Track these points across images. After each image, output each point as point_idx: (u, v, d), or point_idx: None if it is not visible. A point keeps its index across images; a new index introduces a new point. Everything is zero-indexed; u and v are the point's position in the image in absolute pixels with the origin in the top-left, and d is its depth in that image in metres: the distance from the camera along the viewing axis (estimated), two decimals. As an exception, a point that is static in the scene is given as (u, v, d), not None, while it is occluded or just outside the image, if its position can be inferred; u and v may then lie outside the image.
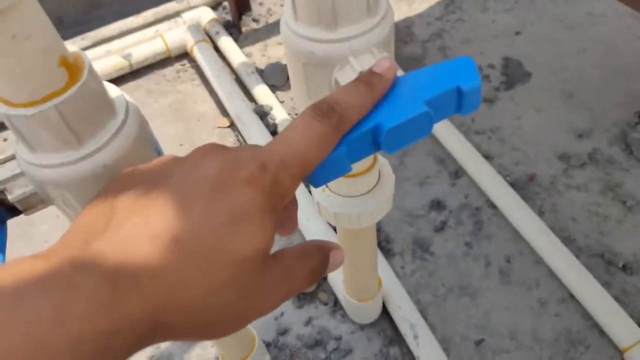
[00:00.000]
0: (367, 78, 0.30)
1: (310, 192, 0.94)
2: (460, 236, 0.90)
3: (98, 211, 0.24)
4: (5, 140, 1.15)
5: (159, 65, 1.26)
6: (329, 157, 0.28)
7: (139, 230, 0.22)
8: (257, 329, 0.72)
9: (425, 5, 1.34)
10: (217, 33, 1.26)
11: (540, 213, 0.92)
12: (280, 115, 1.08)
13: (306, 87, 0.38)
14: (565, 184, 0.96)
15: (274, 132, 1.07)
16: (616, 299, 0.79)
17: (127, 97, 0.33)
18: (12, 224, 0.35)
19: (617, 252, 0.86)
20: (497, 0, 1.32)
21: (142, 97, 1.20)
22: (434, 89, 0.31)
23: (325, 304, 0.84)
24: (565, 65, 1.15)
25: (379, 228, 0.91)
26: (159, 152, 0.35)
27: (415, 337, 0.76)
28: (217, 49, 1.25)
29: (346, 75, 0.34)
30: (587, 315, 0.80)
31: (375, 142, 0.31)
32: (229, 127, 1.13)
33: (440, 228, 0.91)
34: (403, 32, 1.27)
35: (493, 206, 0.93)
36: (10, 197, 0.32)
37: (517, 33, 1.24)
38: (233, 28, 1.33)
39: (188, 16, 1.30)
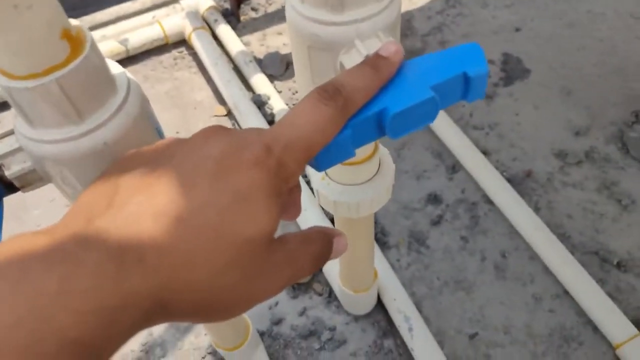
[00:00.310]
0: (373, 61, 0.30)
1: (306, 181, 0.93)
2: (456, 230, 0.90)
3: (101, 190, 0.24)
4: (-2, 123, 1.14)
5: (156, 52, 1.25)
6: (333, 141, 0.28)
7: (143, 208, 0.22)
8: (252, 318, 0.72)
9: (426, -1, 1.33)
10: (216, 21, 1.25)
11: (536, 209, 0.92)
12: (278, 105, 1.07)
13: (310, 71, 0.37)
14: (561, 181, 0.96)
15: (271, 122, 1.06)
16: (610, 295, 0.79)
17: (129, 75, 0.32)
18: (5, 206, 0.35)
19: (612, 250, 0.86)
20: (497, -5, 1.32)
21: (139, 83, 1.19)
22: (441, 74, 0.31)
23: (320, 294, 0.83)
24: (564, 63, 1.15)
25: (375, 221, 0.91)
26: (159, 132, 0.35)
27: (410, 329, 0.76)
28: (215, 37, 1.24)
29: (352, 59, 0.34)
30: (581, 312, 0.80)
31: (380, 127, 0.30)
32: (225, 115, 1.12)
33: (437, 222, 0.91)
34: (403, 25, 1.27)
35: (489, 201, 0.93)
36: (7, 173, 0.31)
37: (517, 29, 1.24)
38: (231, 16, 1.32)
39: (186, 3, 1.29)
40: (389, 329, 0.80)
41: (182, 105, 1.15)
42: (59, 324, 0.18)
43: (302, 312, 0.82)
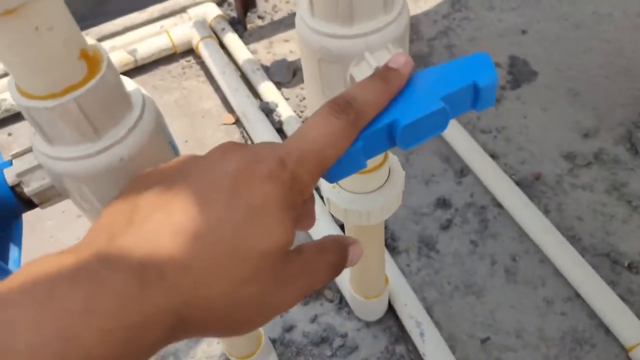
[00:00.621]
0: (383, 73, 0.30)
1: (315, 188, 0.94)
2: (466, 234, 0.90)
3: (121, 209, 0.25)
4: (9, 134, 1.15)
5: (164, 61, 1.26)
6: (345, 153, 0.28)
7: (162, 226, 0.22)
8: (263, 326, 0.72)
9: (432, 3, 1.34)
10: (223, 30, 1.26)
11: (546, 212, 0.92)
12: (285, 112, 1.08)
13: (321, 83, 0.38)
14: (570, 183, 0.96)
15: (279, 129, 1.07)
16: (622, 298, 0.79)
17: (143, 91, 0.33)
18: (22, 218, 0.35)
19: (623, 252, 0.86)
20: (503, -1, 1.32)
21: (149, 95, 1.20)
22: (450, 84, 0.31)
23: (331, 301, 0.84)
24: (571, 65, 1.15)
25: (385, 226, 0.91)
26: (173, 146, 0.35)
27: (422, 334, 0.76)
28: (222, 45, 1.25)
29: (362, 71, 0.34)
30: (592, 314, 0.80)
31: (390, 138, 0.31)
32: (234, 123, 1.13)
33: (446, 226, 0.92)
34: (409, 29, 1.27)
35: (499, 205, 0.93)
36: (26, 190, 0.32)
37: (524, 32, 1.24)
38: (238, 25, 1.32)
39: (193, 12, 1.30)
40: (401, 334, 0.80)
41: (190, 114, 1.16)
42: (84, 343, 0.19)
43: (314, 319, 0.82)
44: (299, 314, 0.83)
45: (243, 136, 1.10)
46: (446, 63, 0.33)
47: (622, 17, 1.24)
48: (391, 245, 0.90)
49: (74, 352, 0.19)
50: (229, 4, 1.37)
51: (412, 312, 0.78)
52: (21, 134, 1.15)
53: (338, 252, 0.27)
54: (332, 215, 0.86)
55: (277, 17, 1.35)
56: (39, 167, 0.32)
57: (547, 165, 0.99)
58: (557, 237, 0.85)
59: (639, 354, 0.74)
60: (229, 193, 0.23)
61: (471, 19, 1.28)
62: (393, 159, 0.52)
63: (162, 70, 1.25)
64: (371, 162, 0.47)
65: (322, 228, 0.86)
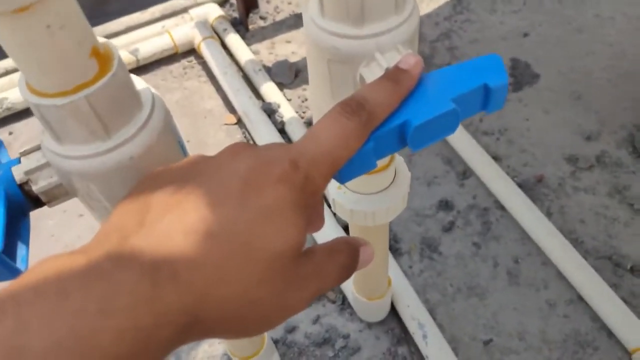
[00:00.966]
0: (393, 75, 0.30)
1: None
2: (469, 236, 0.90)
3: (132, 208, 0.24)
4: (10, 133, 1.15)
5: (166, 61, 1.26)
6: (356, 154, 0.28)
7: (174, 225, 0.22)
8: (266, 326, 0.72)
9: (434, 6, 1.34)
10: (225, 30, 1.26)
11: (548, 215, 0.92)
12: (287, 112, 1.08)
13: (330, 84, 0.37)
14: (573, 186, 0.96)
15: (281, 130, 1.06)
16: (624, 300, 0.79)
17: (153, 90, 0.33)
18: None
19: (625, 255, 0.86)
20: (505, 1, 1.32)
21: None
22: (461, 86, 0.31)
23: (334, 302, 0.83)
24: (573, 68, 1.15)
25: (386, 227, 0.91)
26: (181, 145, 0.35)
27: (424, 336, 0.76)
28: (224, 46, 1.25)
29: (372, 72, 0.34)
30: (595, 317, 0.80)
31: (401, 139, 0.31)
32: (236, 124, 1.13)
33: (449, 228, 0.91)
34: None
35: (501, 207, 0.93)
36: (35, 188, 0.32)
37: (525, 34, 1.24)
38: (240, 25, 1.32)
39: (195, 12, 1.30)
40: (403, 336, 0.80)
41: (192, 114, 1.16)
42: (99, 342, 0.19)
43: (316, 320, 0.82)
44: (301, 315, 0.83)
45: (245, 137, 1.10)
46: (457, 64, 0.32)
47: (624, 21, 1.24)
48: (394, 246, 0.89)
49: (88, 351, 0.18)
50: (231, 5, 1.37)
51: (414, 314, 0.78)
52: (22, 132, 1.15)
53: (349, 253, 0.27)
54: (335, 216, 0.86)
55: (279, 17, 1.35)
56: (47, 165, 0.31)
57: (549, 168, 0.99)
58: (560, 239, 0.85)
59: (641, 357, 0.74)
60: (241, 193, 0.23)
61: (473, 21, 1.29)
62: (399, 160, 0.52)
63: (164, 70, 1.25)
64: (378, 163, 0.47)
65: (325, 228, 0.86)
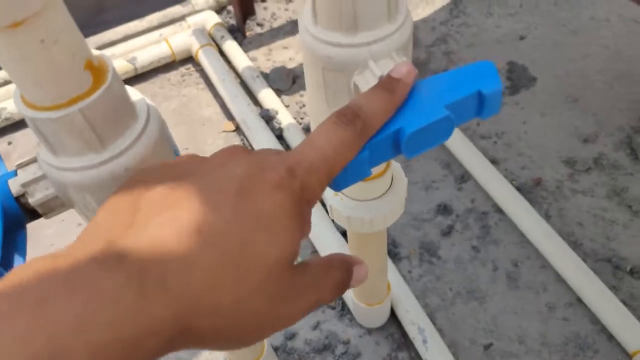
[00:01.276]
0: (388, 84, 0.30)
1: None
2: (467, 240, 0.90)
3: (121, 208, 0.23)
4: (10, 143, 1.15)
5: (164, 69, 1.26)
6: (350, 162, 0.28)
7: (166, 228, 0.21)
8: (266, 333, 0.72)
9: (430, 10, 1.34)
10: (222, 37, 1.26)
11: (547, 217, 0.92)
12: (285, 119, 1.08)
13: (324, 92, 0.38)
14: (571, 188, 0.96)
15: (279, 137, 1.07)
16: (624, 303, 0.79)
17: (148, 101, 0.33)
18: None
19: (624, 257, 0.86)
20: (501, 4, 1.33)
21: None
22: (455, 93, 0.31)
23: (333, 308, 0.83)
24: (569, 70, 1.16)
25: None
26: (177, 154, 0.35)
27: (424, 341, 0.75)
28: (222, 53, 1.25)
29: (366, 80, 0.34)
30: (595, 320, 0.79)
31: (396, 146, 0.31)
32: (234, 131, 1.13)
33: (447, 232, 0.91)
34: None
35: (500, 211, 0.93)
36: (31, 201, 0.32)
37: (522, 38, 1.24)
38: (237, 32, 1.33)
39: (193, 20, 1.30)
40: (403, 341, 0.80)
41: (190, 121, 1.16)
42: (75, 357, 0.18)
43: (316, 326, 0.82)
44: (301, 322, 0.82)
45: (243, 143, 1.10)
46: (451, 71, 0.33)
47: (620, 23, 1.24)
48: (392, 251, 0.89)
49: None
50: (228, 12, 1.37)
51: (414, 319, 0.78)
52: (21, 142, 1.15)
53: (343, 271, 0.27)
54: (333, 221, 0.86)
55: (276, 24, 1.35)
56: (43, 177, 0.31)
57: (547, 171, 0.99)
58: (559, 242, 0.85)
59: (642, 359, 0.73)
60: (236, 198, 0.23)
61: (469, 25, 1.29)
62: (395, 166, 0.52)
63: (162, 78, 1.25)
64: (374, 170, 0.47)
65: (323, 234, 0.86)
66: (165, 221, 0.21)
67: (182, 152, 0.32)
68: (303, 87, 1.18)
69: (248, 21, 1.34)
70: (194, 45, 1.22)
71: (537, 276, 0.86)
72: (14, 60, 0.25)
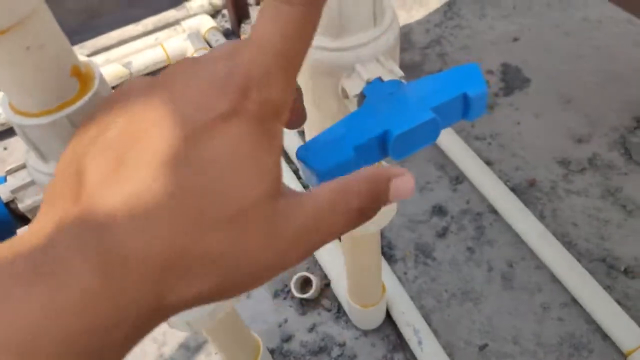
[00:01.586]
0: None
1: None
2: (462, 241, 0.91)
3: (68, 173, 0.21)
4: (5, 149, 1.15)
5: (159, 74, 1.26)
6: (336, 164, 0.28)
7: (117, 199, 0.18)
8: (261, 336, 0.72)
9: (424, 12, 1.35)
10: (217, 41, 1.26)
11: (541, 218, 0.92)
12: (280, 122, 1.08)
13: (312, 95, 0.38)
14: (565, 189, 0.96)
15: (274, 139, 1.07)
16: (618, 302, 0.79)
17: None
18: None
19: (618, 256, 0.86)
20: (494, 6, 1.33)
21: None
22: (441, 95, 0.32)
23: (329, 310, 0.84)
24: (563, 71, 1.16)
25: (381, 234, 0.91)
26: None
27: (420, 342, 0.76)
28: (217, 57, 1.26)
29: (354, 83, 0.35)
30: (590, 319, 0.80)
31: (382, 149, 0.31)
32: (229, 134, 1.13)
33: (442, 234, 0.92)
34: (402, 39, 1.28)
35: (494, 211, 0.93)
36: (21, 206, 0.32)
37: (515, 39, 1.25)
38: (232, 36, 1.33)
39: (188, 24, 1.31)
40: (399, 342, 0.80)
41: (185, 125, 1.16)
42: (43, 354, 0.17)
43: (312, 328, 0.82)
44: (297, 324, 0.83)
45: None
46: (437, 74, 0.33)
47: (612, 24, 1.25)
48: (388, 253, 0.90)
49: None
50: (223, 16, 1.37)
51: (409, 320, 0.78)
52: (17, 148, 1.15)
53: (369, 194, 0.22)
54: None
55: (270, 27, 1.35)
56: (32, 183, 0.32)
57: (541, 171, 0.99)
58: (553, 242, 0.85)
59: (637, 358, 0.74)
60: (186, 149, 0.19)
61: (463, 27, 1.29)
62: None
63: (157, 82, 1.25)
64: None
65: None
66: (115, 193, 0.19)
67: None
68: (298, 90, 1.18)
69: (243, 25, 1.35)
70: (189, 49, 1.23)
71: (531, 277, 0.86)
72: (0, 66, 0.26)
